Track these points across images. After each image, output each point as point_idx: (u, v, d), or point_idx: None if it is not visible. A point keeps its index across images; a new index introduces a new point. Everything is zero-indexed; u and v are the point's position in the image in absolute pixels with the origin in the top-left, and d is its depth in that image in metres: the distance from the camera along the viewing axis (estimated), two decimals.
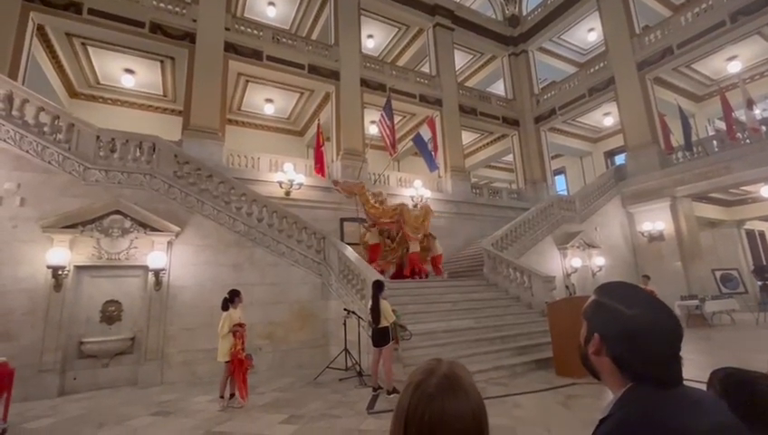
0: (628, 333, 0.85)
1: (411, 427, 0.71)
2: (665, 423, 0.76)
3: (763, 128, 11.55)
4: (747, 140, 11.84)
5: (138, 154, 8.16)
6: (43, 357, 6.42)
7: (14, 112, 7.29)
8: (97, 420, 5.03)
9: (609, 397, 0.89)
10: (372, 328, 5.92)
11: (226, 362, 5.53)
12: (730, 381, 1.18)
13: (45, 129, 7.47)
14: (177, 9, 12.06)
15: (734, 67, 14.27)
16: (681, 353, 0.85)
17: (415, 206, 13.16)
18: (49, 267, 6.57)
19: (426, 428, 0.70)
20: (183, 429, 4.67)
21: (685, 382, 0.85)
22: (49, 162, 7.25)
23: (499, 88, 20.19)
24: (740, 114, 12.59)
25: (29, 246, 6.70)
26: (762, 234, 17.46)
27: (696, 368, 4.17)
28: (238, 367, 5.53)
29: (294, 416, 4.95)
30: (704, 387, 1.22)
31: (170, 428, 4.73)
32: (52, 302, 6.65)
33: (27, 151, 7.13)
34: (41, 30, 10.85)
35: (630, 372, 0.84)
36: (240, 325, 5.68)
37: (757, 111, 11.81)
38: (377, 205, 10.93)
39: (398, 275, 10.85)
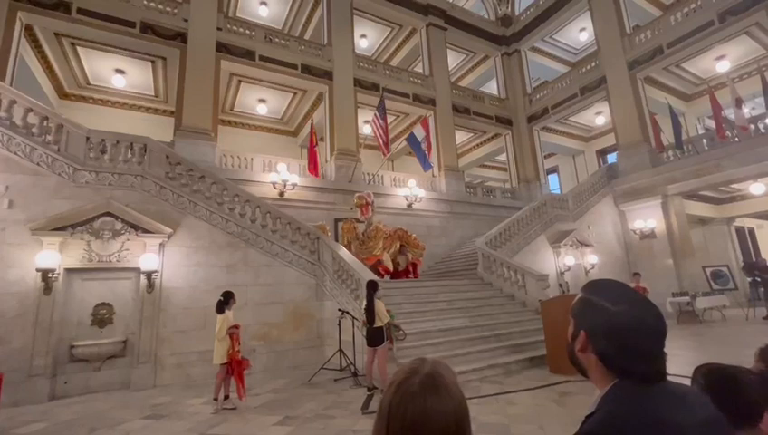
0: (613, 330, 0.86)
1: (393, 425, 0.71)
2: (650, 418, 0.77)
3: (752, 126, 11.72)
4: (736, 139, 12.00)
5: (129, 155, 8.07)
6: (34, 361, 6.33)
7: (2, 114, 7.18)
8: (89, 425, 4.98)
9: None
10: (367, 328, 5.93)
11: (222, 364, 5.51)
12: (713, 377, 1.22)
13: (34, 130, 7.36)
14: (169, 9, 11.95)
15: (723, 66, 14.44)
16: (666, 349, 0.86)
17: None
18: (38, 270, 6.48)
19: (408, 426, 0.70)
20: (176, 432, 4.63)
21: (674, 378, 0.86)
22: (38, 164, 7.15)
23: (492, 87, 20.27)
24: (729, 113, 12.75)
25: (18, 249, 6.61)
26: (751, 231, 17.69)
27: (686, 364, 4.23)
28: (237, 368, 5.52)
29: (289, 417, 4.94)
30: (689, 382, 1.25)
31: (163, 431, 4.69)
32: (42, 305, 6.56)
33: (15, 153, 7.02)
34: (29, 30, 10.69)
35: (615, 368, 0.85)
36: (235, 326, 5.68)
37: (746, 110, 11.94)
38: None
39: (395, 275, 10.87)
